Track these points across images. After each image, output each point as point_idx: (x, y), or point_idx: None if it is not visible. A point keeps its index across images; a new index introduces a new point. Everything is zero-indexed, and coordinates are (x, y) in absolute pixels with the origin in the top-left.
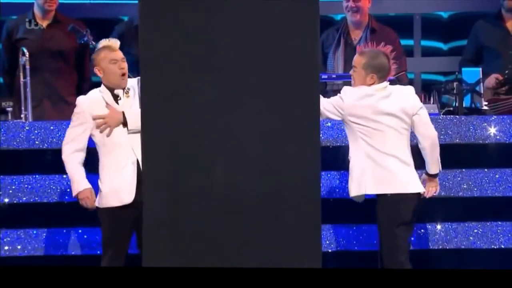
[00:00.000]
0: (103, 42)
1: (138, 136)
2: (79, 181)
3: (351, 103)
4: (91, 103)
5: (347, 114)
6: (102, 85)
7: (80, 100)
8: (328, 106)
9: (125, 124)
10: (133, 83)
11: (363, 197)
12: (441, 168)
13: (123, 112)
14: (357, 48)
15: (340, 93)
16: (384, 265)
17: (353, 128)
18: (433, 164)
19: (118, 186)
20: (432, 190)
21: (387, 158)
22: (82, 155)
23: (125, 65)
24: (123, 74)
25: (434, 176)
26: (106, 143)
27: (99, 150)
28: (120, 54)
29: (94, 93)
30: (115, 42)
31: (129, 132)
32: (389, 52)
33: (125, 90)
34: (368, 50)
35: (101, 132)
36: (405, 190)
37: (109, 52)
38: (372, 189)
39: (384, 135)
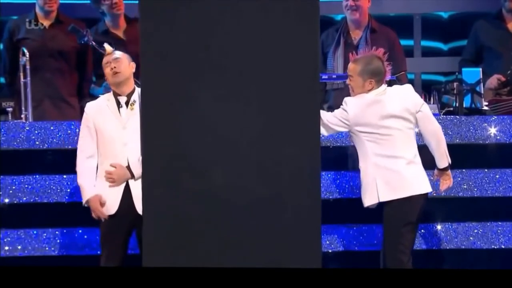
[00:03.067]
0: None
1: (134, 149)
2: (86, 190)
3: (356, 113)
4: (96, 111)
5: (353, 124)
6: (111, 92)
7: (87, 106)
8: (333, 119)
9: (131, 174)
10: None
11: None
12: (450, 161)
13: (128, 167)
14: (350, 57)
15: (342, 105)
16: (387, 264)
17: (361, 137)
18: (442, 157)
19: (104, 196)
20: (446, 183)
21: (396, 161)
22: (94, 161)
23: (116, 64)
24: (114, 73)
25: (445, 169)
26: (102, 153)
27: (98, 158)
28: (112, 56)
29: (102, 100)
30: (107, 46)
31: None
32: (382, 55)
33: (130, 102)
34: (362, 57)
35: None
36: (415, 191)
37: (105, 56)
38: (386, 196)
39: (392, 139)
